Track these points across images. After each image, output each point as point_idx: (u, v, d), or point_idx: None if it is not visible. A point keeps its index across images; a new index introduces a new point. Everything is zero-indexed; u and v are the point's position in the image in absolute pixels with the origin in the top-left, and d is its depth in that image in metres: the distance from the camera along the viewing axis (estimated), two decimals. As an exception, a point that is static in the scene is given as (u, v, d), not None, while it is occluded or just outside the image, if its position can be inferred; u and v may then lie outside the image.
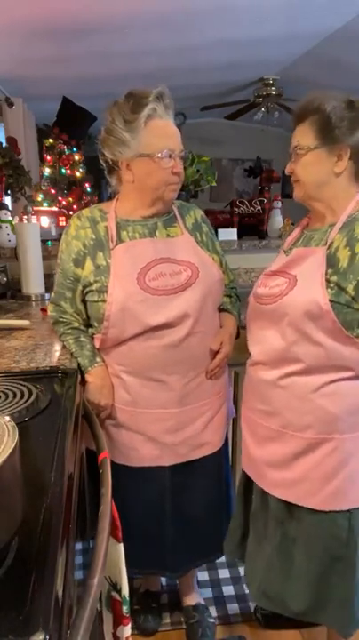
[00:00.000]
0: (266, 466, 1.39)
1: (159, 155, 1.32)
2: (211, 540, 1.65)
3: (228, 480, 1.73)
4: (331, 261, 1.22)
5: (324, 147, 1.23)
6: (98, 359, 1.45)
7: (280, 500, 1.37)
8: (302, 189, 1.30)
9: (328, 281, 1.20)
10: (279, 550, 1.40)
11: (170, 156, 1.33)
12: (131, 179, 1.38)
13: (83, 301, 1.45)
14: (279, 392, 1.30)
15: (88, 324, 1.48)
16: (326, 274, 1.20)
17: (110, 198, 1.52)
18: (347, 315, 1.19)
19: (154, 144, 1.32)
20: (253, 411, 1.41)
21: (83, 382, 1.42)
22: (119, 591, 1.02)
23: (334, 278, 1.20)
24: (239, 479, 1.59)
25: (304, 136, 1.27)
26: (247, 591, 1.92)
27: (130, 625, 1.05)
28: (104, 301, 1.37)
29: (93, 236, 1.42)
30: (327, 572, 1.33)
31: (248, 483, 1.52)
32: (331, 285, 1.19)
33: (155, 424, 1.44)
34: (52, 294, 1.53)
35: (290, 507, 1.35)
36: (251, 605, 1.86)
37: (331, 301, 1.18)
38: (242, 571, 2.01)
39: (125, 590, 1.02)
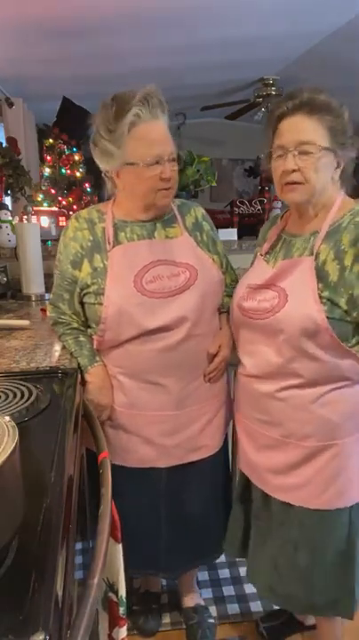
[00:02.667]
0: (267, 471, 1.39)
1: (143, 164, 1.28)
2: (207, 541, 1.64)
3: (228, 482, 1.72)
4: (320, 275, 1.18)
5: (334, 151, 1.17)
6: (97, 358, 1.45)
7: (282, 502, 1.37)
8: (308, 192, 1.20)
9: (320, 297, 1.17)
10: (282, 552, 1.41)
11: (157, 162, 1.29)
12: (122, 186, 1.37)
13: (81, 303, 1.45)
14: (278, 404, 1.30)
15: (87, 324, 1.48)
16: (318, 289, 1.17)
17: (110, 197, 1.51)
18: (341, 327, 1.17)
19: (139, 152, 1.28)
20: (250, 419, 1.41)
21: (84, 382, 1.42)
22: (116, 592, 1.01)
23: (326, 293, 1.17)
24: (238, 480, 1.60)
25: (315, 133, 1.16)
26: (247, 591, 1.92)
27: (126, 627, 1.05)
28: (101, 304, 1.36)
29: (91, 238, 1.41)
30: (331, 568, 1.36)
31: (247, 483, 1.52)
32: (324, 301, 1.16)
33: (151, 426, 1.44)
34: (51, 296, 1.52)
35: (291, 509, 1.36)
36: (252, 605, 1.86)
37: (326, 317, 1.16)
38: (242, 571, 2.02)
39: (122, 591, 1.02)
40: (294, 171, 1.18)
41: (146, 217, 1.42)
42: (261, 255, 1.38)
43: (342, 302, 1.15)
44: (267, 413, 1.33)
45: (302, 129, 1.17)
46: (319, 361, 1.20)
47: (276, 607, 1.78)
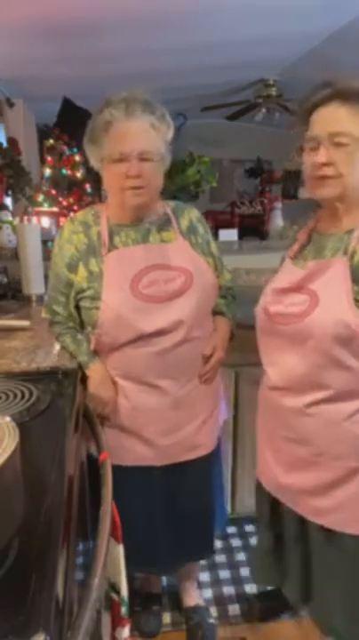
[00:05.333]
0: (301, 492, 1.29)
1: (109, 160, 1.32)
2: (202, 539, 1.66)
3: (221, 481, 1.75)
4: (356, 276, 1.10)
5: None
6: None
7: (319, 525, 1.28)
8: (340, 187, 1.11)
9: (355, 300, 1.08)
10: (323, 575, 1.32)
11: (122, 160, 1.30)
12: (104, 185, 1.41)
13: (77, 307, 1.45)
14: (307, 420, 1.20)
15: (83, 326, 1.48)
16: (353, 291, 1.09)
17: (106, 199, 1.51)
18: None
19: (108, 149, 1.31)
20: (277, 437, 1.31)
21: (84, 380, 1.42)
22: (118, 592, 1.02)
23: None
24: (263, 503, 1.50)
25: (351, 123, 1.07)
26: (248, 592, 1.91)
27: (128, 627, 1.05)
28: (97, 308, 1.37)
29: (86, 241, 1.41)
30: None
31: (274, 506, 1.43)
32: None
33: (148, 426, 1.45)
34: (47, 298, 1.53)
35: (332, 531, 1.26)
36: (252, 604, 1.86)
37: None
38: (243, 571, 2.01)
39: (124, 592, 1.02)
40: (326, 164, 1.10)
41: (128, 217, 1.42)
42: (290, 258, 1.30)
43: None
44: (295, 431, 1.24)
45: (336, 119, 1.08)
46: (352, 371, 1.11)
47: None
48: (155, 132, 1.33)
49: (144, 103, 1.31)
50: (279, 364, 1.24)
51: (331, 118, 1.09)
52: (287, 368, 1.21)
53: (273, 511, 1.46)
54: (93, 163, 1.39)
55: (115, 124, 1.30)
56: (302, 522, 1.34)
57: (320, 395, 1.16)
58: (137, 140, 1.30)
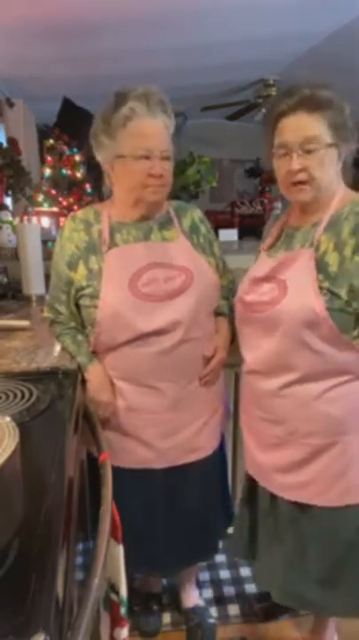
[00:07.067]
0: (273, 471, 1.38)
1: (132, 157, 1.30)
2: (205, 540, 1.65)
3: (225, 481, 1.73)
4: (321, 265, 1.19)
5: (337, 146, 1.17)
6: None
7: (289, 501, 1.36)
8: (315, 189, 1.20)
9: (320, 287, 1.17)
10: (296, 549, 1.40)
11: (146, 157, 1.30)
12: (115, 180, 1.38)
13: (77, 305, 1.45)
14: (281, 402, 1.29)
15: (83, 325, 1.48)
16: (318, 280, 1.17)
17: (109, 196, 1.51)
18: (342, 318, 1.17)
19: (129, 145, 1.30)
20: (254, 418, 1.40)
21: (85, 381, 1.42)
22: (117, 593, 1.02)
23: (326, 284, 1.17)
24: (244, 482, 1.59)
25: (318, 129, 1.15)
26: (248, 591, 1.92)
27: (127, 627, 1.05)
28: (96, 307, 1.36)
29: (87, 239, 1.41)
30: (342, 561, 1.35)
31: (253, 485, 1.51)
32: (324, 292, 1.17)
33: (147, 429, 1.44)
34: (48, 297, 1.53)
35: (302, 505, 1.35)
36: (252, 605, 1.86)
37: (326, 308, 1.16)
38: (243, 571, 2.02)
39: (124, 592, 1.02)
40: (300, 170, 1.18)
41: (137, 214, 1.41)
42: (263, 250, 1.39)
43: (343, 293, 1.15)
44: (270, 412, 1.33)
45: (304, 126, 1.16)
46: (318, 353, 1.20)
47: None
48: (167, 131, 1.34)
49: (161, 102, 1.32)
50: (255, 349, 1.33)
51: (299, 126, 1.17)
52: (261, 352, 1.30)
53: (250, 489, 1.54)
54: (104, 157, 1.37)
55: (135, 119, 1.29)
56: (273, 499, 1.42)
57: (291, 377, 1.25)
58: (159, 138, 1.31)
